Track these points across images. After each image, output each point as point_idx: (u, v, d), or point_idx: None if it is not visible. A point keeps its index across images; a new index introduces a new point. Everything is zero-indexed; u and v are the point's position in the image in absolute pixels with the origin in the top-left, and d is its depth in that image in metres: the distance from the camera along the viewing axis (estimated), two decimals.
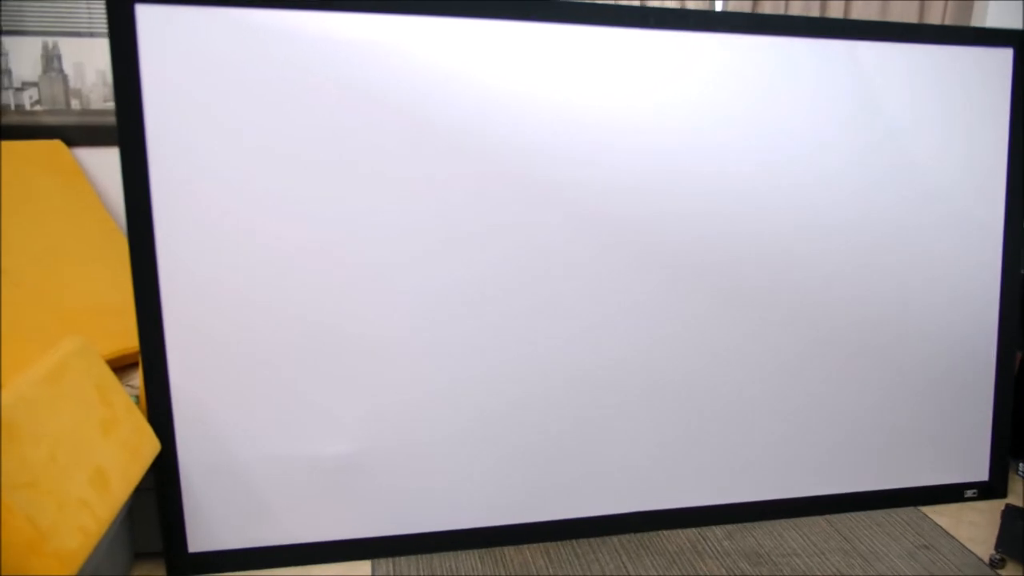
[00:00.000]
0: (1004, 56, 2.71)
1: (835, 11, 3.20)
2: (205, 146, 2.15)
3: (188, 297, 2.19)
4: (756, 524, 2.69)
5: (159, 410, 2.22)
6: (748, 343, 2.61)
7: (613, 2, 3.00)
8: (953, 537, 2.65)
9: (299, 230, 2.23)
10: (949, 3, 3.28)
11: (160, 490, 2.27)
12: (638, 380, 2.53)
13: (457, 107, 2.28)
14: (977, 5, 3.37)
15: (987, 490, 2.88)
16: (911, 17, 3.25)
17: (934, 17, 3.29)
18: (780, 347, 2.64)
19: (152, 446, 2.12)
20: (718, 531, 2.65)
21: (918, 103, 2.65)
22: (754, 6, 3.13)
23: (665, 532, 2.62)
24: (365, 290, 2.30)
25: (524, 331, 2.43)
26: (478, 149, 2.31)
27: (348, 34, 2.18)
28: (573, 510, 2.56)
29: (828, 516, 2.74)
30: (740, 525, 2.68)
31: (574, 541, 2.56)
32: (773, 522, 2.70)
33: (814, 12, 3.18)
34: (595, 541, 2.57)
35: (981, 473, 2.87)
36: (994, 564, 2.53)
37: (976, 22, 3.39)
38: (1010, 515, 2.72)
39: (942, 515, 2.78)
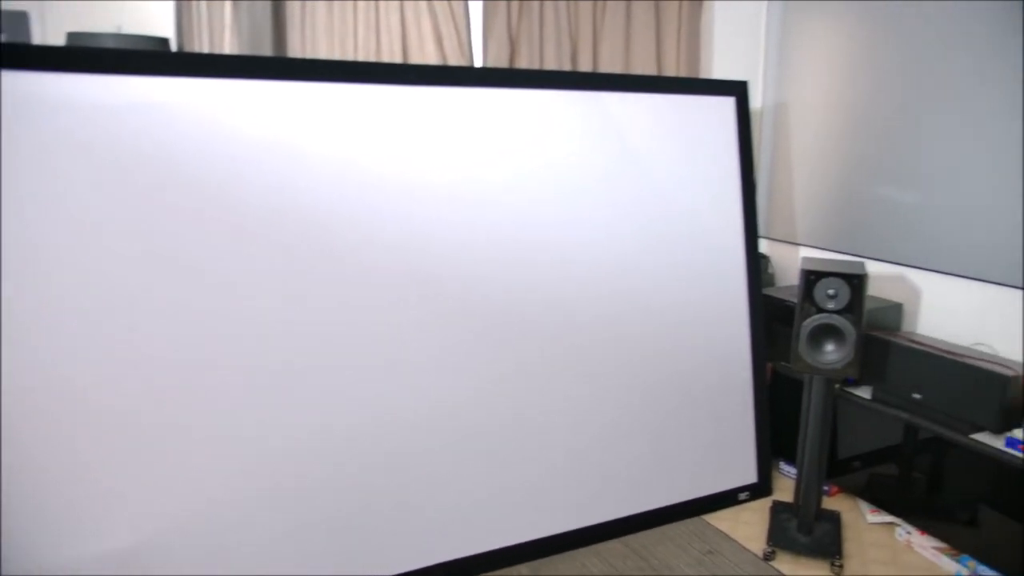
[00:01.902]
0: (728, 103, 3.06)
1: (585, 63, 3.46)
2: None
3: None
4: (559, 556, 2.75)
5: None
6: (531, 386, 2.70)
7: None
8: (733, 539, 2.87)
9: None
10: (681, 57, 3.67)
11: None
12: (431, 435, 2.54)
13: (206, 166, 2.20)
14: (704, 61, 3.80)
15: (757, 490, 3.16)
16: (650, 69, 3.58)
17: (670, 69, 3.65)
18: (562, 388, 2.75)
19: None
20: (524, 569, 2.68)
21: (660, 145, 2.92)
22: (511, 59, 3.31)
23: None
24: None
25: (321, 401, 2.36)
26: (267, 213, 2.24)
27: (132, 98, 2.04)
28: (381, 568, 2.48)
29: (624, 538, 2.87)
30: (544, 560, 2.73)
31: None
32: (575, 552, 2.78)
33: (566, 65, 3.42)
34: None
35: (750, 476, 3.14)
36: (767, 558, 2.77)
37: (704, 74, 3.80)
38: (777, 511, 3.00)
39: (722, 520, 3.01)
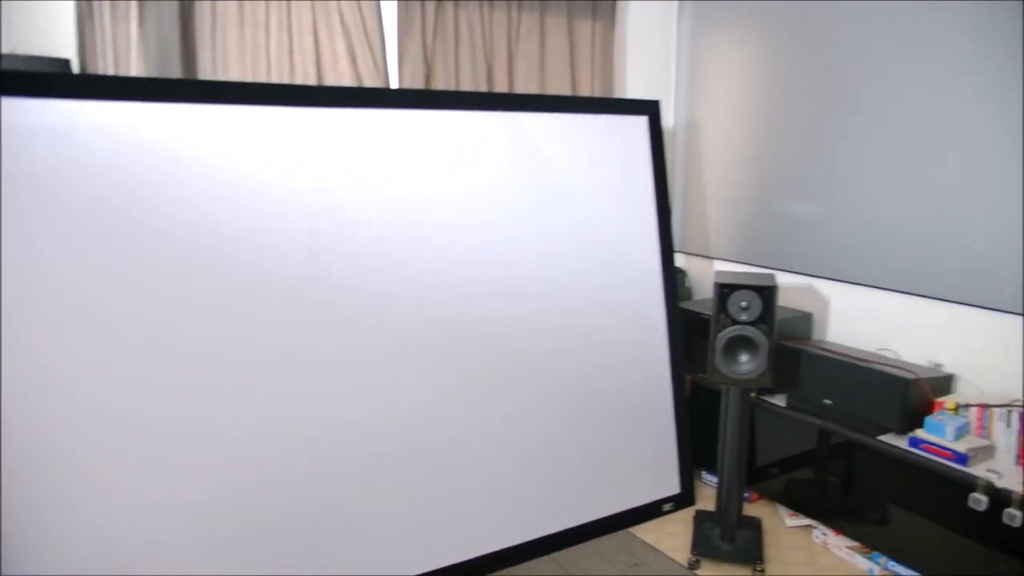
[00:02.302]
0: (641, 122, 3.13)
1: (500, 83, 3.50)
2: None
3: None
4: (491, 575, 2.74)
5: None
6: (454, 407, 2.69)
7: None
8: (658, 550, 2.92)
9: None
10: (595, 77, 3.74)
11: None
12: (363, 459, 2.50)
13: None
14: (617, 81, 3.89)
15: (681, 501, 3.22)
16: (565, 89, 3.65)
17: (584, 89, 3.73)
18: (485, 408, 2.75)
19: None
20: None
21: (576, 164, 2.96)
22: (427, 79, 3.32)
23: None
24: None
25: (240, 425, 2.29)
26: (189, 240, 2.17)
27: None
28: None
29: (553, 555, 2.88)
30: None
31: None
32: (507, 570, 2.77)
33: (482, 85, 3.45)
34: None
35: (674, 487, 3.20)
36: (692, 566, 2.82)
37: (618, 94, 3.89)
38: (700, 520, 3.06)
39: (648, 532, 3.05)
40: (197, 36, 2.88)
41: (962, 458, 2.53)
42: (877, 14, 3.05)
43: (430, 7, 3.29)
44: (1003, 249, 2.72)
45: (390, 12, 3.25)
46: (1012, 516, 2.33)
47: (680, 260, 4.08)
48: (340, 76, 3.14)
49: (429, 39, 3.32)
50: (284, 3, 3.00)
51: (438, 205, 2.66)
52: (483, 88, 3.45)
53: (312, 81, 3.08)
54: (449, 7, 3.33)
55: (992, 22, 2.69)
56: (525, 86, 3.56)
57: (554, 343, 2.89)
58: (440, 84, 3.36)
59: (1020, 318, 2.70)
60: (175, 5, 2.81)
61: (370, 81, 3.17)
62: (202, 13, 2.87)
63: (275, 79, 3.02)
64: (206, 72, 2.91)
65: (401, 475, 2.57)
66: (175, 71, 2.84)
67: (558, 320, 2.90)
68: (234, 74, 2.94)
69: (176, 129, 2.21)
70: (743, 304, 2.71)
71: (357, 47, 3.15)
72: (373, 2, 3.16)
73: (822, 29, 3.27)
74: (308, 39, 3.07)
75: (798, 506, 3.15)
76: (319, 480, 2.42)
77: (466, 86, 3.40)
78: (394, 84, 3.29)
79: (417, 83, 3.30)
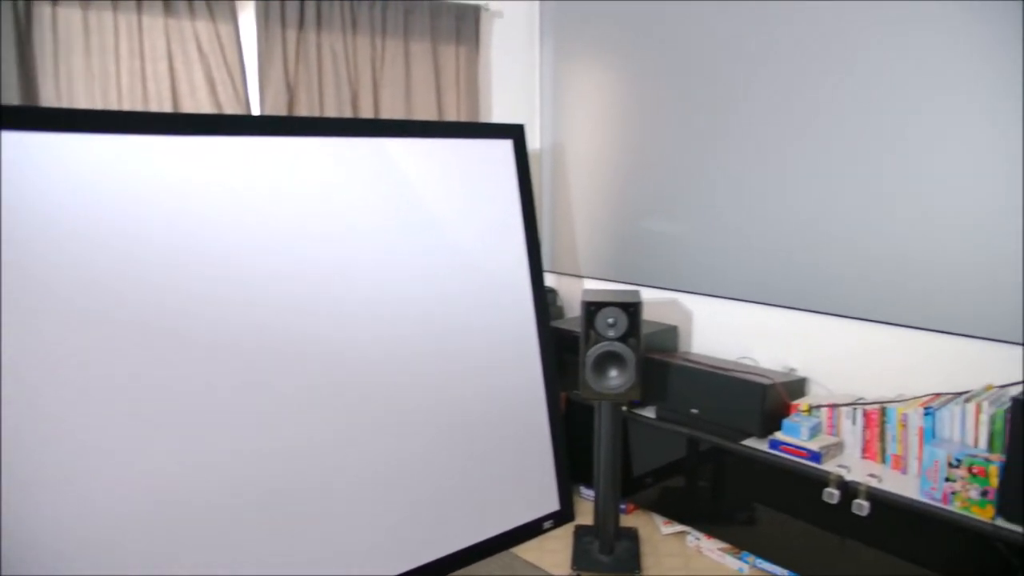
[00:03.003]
0: (507, 145, 3.20)
1: (366, 109, 3.49)
2: None
3: None
4: None
5: None
6: (327, 435, 2.64)
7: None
8: (540, 568, 2.95)
9: None
10: (461, 103, 3.79)
11: None
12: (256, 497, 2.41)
13: None
14: (483, 105, 3.95)
15: (560, 517, 3.27)
16: (432, 115, 3.68)
17: (450, 114, 3.77)
18: (361, 436, 2.71)
19: None
20: None
21: (443, 189, 2.99)
22: (290, 106, 3.27)
23: None
24: None
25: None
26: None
27: None
28: None
29: None
30: None
31: None
32: None
33: (347, 112, 3.42)
34: None
35: (553, 504, 3.25)
36: None
37: (484, 118, 3.96)
38: (580, 535, 3.12)
39: (529, 551, 3.08)
40: (37, 63, 2.73)
41: (816, 456, 2.69)
42: (730, 40, 3.25)
43: (292, 33, 3.25)
44: (846, 259, 2.94)
45: (250, 38, 3.19)
46: (860, 506, 2.50)
47: (551, 280, 4.17)
48: (198, 103, 3.04)
49: (291, 65, 3.27)
50: (136, 29, 2.89)
51: (306, 234, 2.62)
52: (348, 115, 3.43)
53: (168, 109, 2.97)
54: (311, 34, 3.30)
55: (839, 38, 2.91)
56: (391, 112, 3.56)
57: (427, 368, 2.89)
58: (304, 111, 3.32)
59: (862, 323, 2.91)
60: (10, 31, 2.65)
61: (230, 108, 3.10)
62: (41, 39, 2.72)
63: (127, 107, 2.89)
64: (49, 100, 2.76)
65: (278, 512, 2.49)
66: (12, 98, 2.67)
67: (431, 344, 2.90)
68: (81, 102, 2.80)
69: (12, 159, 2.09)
70: (610, 321, 2.80)
71: (216, 73, 3.07)
72: (232, 27, 3.10)
73: (679, 54, 3.45)
74: (163, 65, 2.96)
75: (672, 513, 3.26)
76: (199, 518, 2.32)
77: (331, 113, 3.38)
78: (256, 111, 3.22)
79: (280, 110, 3.24)
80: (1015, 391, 2.40)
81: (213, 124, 2.53)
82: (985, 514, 2.29)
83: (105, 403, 2.19)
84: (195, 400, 2.34)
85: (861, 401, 2.82)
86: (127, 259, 2.25)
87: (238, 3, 3.13)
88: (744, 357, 3.33)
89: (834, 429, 2.84)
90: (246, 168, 2.53)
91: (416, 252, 2.89)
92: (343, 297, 2.68)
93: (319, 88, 3.36)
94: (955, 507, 2.36)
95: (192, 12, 3.00)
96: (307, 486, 2.56)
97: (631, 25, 3.62)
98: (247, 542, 2.42)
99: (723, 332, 3.44)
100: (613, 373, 2.84)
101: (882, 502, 2.47)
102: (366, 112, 3.50)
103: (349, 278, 2.70)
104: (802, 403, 2.92)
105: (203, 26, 3.03)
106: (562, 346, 3.41)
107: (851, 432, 2.79)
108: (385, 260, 2.80)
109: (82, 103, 2.80)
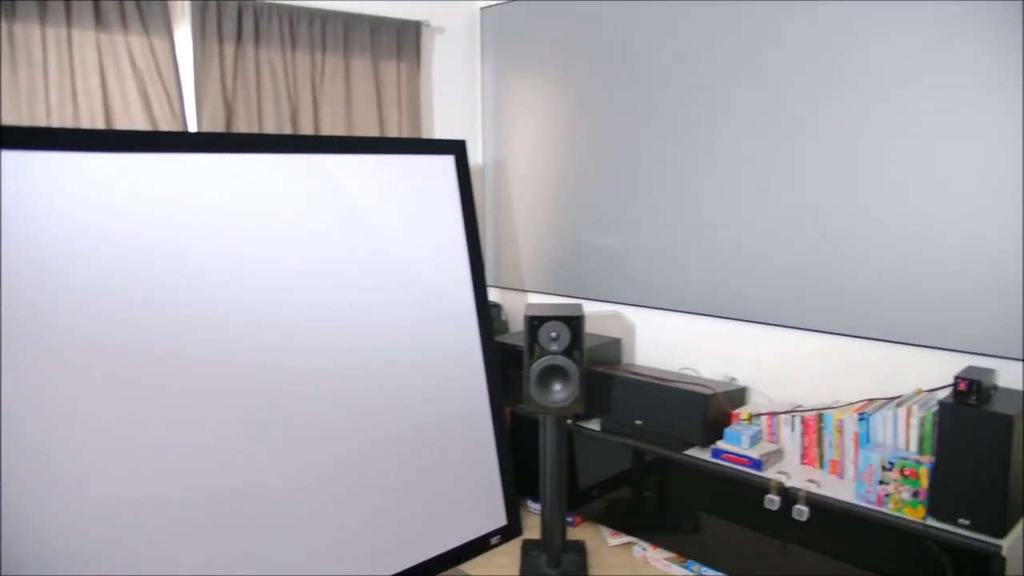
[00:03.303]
0: (448, 161, 3.20)
1: (306, 126, 3.45)
2: None
3: None
4: None
5: None
6: (273, 455, 2.59)
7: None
8: None
9: None
10: (403, 119, 3.79)
11: None
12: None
13: None
14: (425, 121, 3.96)
15: (508, 532, 3.26)
16: (373, 131, 3.66)
17: (392, 130, 3.76)
18: (306, 454, 2.67)
19: None
20: None
21: (386, 205, 2.98)
22: (228, 122, 3.22)
23: None
24: None
25: None
26: None
27: None
28: None
29: None
30: None
31: None
32: None
33: (286, 128, 3.39)
34: None
35: (500, 519, 3.24)
36: None
37: (426, 134, 3.96)
38: (527, 549, 3.12)
39: (477, 567, 3.06)
40: None
41: (756, 463, 2.75)
42: (669, 55, 3.31)
43: (229, 49, 3.21)
44: (783, 270, 3.01)
45: (186, 53, 3.14)
46: (800, 511, 2.55)
47: (495, 294, 4.18)
48: (132, 120, 2.98)
49: (229, 82, 3.23)
50: (65, 42, 2.82)
51: (246, 252, 2.58)
52: (288, 131, 3.40)
53: (101, 125, 2.90)
54: (250, 49, 3.27)
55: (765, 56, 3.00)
56: (331, 128, 3.54)
57: (371, 384, 2.86)
58: (243, 127, 3.27)
59: (799, 332, 2.99)
60: None
61: (166, 125, 3.04)
62: None
63: (56, 124, 2.82)
64: None
65: (220, 532, 2.43)
66: None
67: (374, 360, 2.88)
68: (6, 118, 2.72)
69: None
70: (553, 335, 2.82)
71: (151, 89, 3.01)
72: (167, 42, 3.04)
73: (619, 68, 3.51)
74: (94, 81, 2.89)
75: (619, 525, 3.28)
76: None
77: (270, 129, 3.34)
78: (193, 128, 3.17)
79: (217, 127, 3.19)
80: (943, 395, 2.48)
81: (148, 141, 2.48)
82: (917, 515, 2.37)
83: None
84: (142, 408, 2.28)
85: (799, 408, 2.89)
86: (47, 276, 2.19)
87: (173, 17, 3.08)
88: (686, 368, 3.38)
89: (774, 436, 2.90)
90: (183, 186, 2.48)
91: (359, 268, 2.87)
92: (285, 312, 2.65)
93: (258, 104, 3.32)
94: (889, 509, 2.42)
95: (125, 26, 2.94)
96: (244, 502, 2.51)
97: (571, 40, 3.67)
98: (181, 543, 2.36)
99: (665, 344, 3.49)
100: (557, 387, 2.86)
101: (820, 507, 2.53)
102: (306, 128, 3.47)
103: (291, 295, 2.67)
104: (743, 412, 2.97)
105: (136, 40, 2.97)
106: (507, 360, 3.42)
107: (790, 439, 2.85)
108: (327, 277, 2.77)
109: (7, 119, 2.72)
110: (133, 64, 2.98)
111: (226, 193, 2.58)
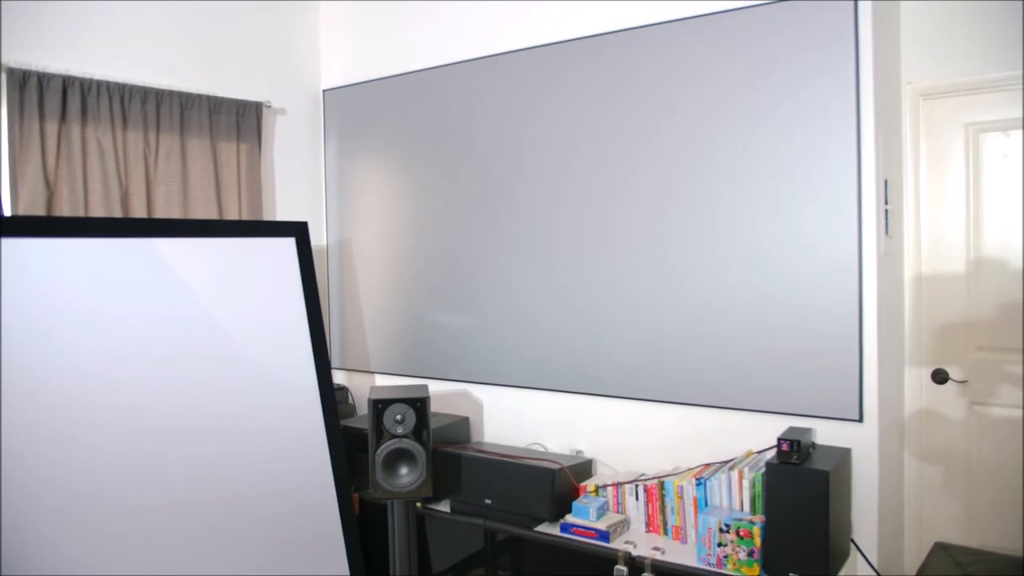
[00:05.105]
0: (289, 243, 3.15)
1: (138, 208, 3.30)
2: None
3: None
4: None
5: None
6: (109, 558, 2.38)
7: None
8: None
9: None
10: (243, 201, 3.71)
11: None
12: None
13: None
14: (267, 203, 3.89)
15: None
16: (212, 213, 3.55)
17: (232, 213, 3.66)
18: (146, 557, 2.48)
19: None
20: None
21: (223, 290, 2.87)
22: (49, 204, 3.03)
23: None
24: None
25: None
26: None
27: None
28: None
29: None
30: None
31: None
32: None
33: (116, 211, 3.22)
34: None
35: None
36: None
37: (268, 216, 3.89)
38: None
39: None
40: None
41: (604, 535, 2.80)
42: (504, 137, 3.45)
43: (52, 126, 3.05)
44: (623, 344, 3.14)
45: (2, 131, 2.95)
46: None
47: (341, 377, 4.09)
48: None
49: (51, 160, 3.05)
50: None
51: (65, 343, 2.40)
52: (118, 213, 3.24)
53: None
54: (75, 127, 3.11)
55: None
56: (167, 210, 3.40)
57: (210, 478, 2.70)
58: (66, 210, 3.09)
59: (640, 402, 3.11)
60: None
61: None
62: None
63: None
64: None
65: None
66: None
67: (213, 454, 2.72)
68: None
69: None
70: (398, 417, 2.79)
71: None
72: None
73: (458, 151, 3.61)
74: None
75: None
76: None
77: (97, 211, 3.17)
78: (8, 210, 2.96)
79: (37, 208, 2.99)
80: (769, 455, 2.65)
81: None
82: (752, 573, 2.48)
83: None
84: None
85: (642, 477, 2.98)
86: None
87: None
88: (534, 443, 3.42)
89: (620, 506, 2.97)
90: None
91: (194, 361, 2.73)
92: (110, 404, 2.47)
93: (84, 184, 3.15)
94: (728, 570, 2.53)
95: None
96: None
97: (413, 120, 3.76)
98: None
99: (513, 420, 3.52)
100: (404, 470, 2.82)
101: (666, 573, 2.60)
102: (138, 211, 3.31)
103: (119, 385, 2.50)
104: (589, 484, 3.03)
105: None
106: (355, 445, 3.33)
107: (635, 508, 2.93)
108: (159, 372, 2.62)
109: None
110: None
111: (42, 281, 2.40)
